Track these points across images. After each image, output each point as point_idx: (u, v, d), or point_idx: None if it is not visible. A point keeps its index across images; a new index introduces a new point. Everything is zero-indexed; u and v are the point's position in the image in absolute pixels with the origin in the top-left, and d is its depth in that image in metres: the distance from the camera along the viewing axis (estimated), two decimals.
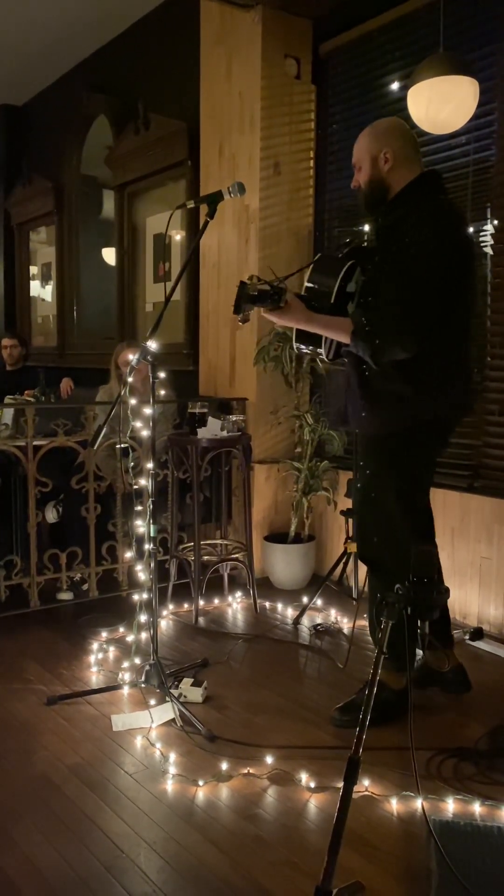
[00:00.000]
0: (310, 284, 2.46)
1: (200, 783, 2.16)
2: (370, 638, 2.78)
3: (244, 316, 2.40)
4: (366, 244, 3.02)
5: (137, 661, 2.85)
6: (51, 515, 3.83)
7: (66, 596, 3.64)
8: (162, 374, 2.81)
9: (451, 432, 2.57)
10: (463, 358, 2.43)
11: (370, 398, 2.40)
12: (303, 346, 2.58)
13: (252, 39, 3.92)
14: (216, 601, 3.73)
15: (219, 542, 3.92)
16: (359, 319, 2.30)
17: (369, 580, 2.64)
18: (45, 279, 6.89)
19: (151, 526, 2.63)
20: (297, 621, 3.47)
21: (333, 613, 3.53)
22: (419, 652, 2.82)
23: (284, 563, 3.95)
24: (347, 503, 3.58)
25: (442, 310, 2.27)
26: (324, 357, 2.54)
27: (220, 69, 4.15)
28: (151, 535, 2.65)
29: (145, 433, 2.88)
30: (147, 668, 2.65)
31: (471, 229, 3.34)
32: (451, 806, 2.05)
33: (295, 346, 2.61)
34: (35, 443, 3.44)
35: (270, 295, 2.38)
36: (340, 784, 1.72)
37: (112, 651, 3.11)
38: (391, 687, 2.48)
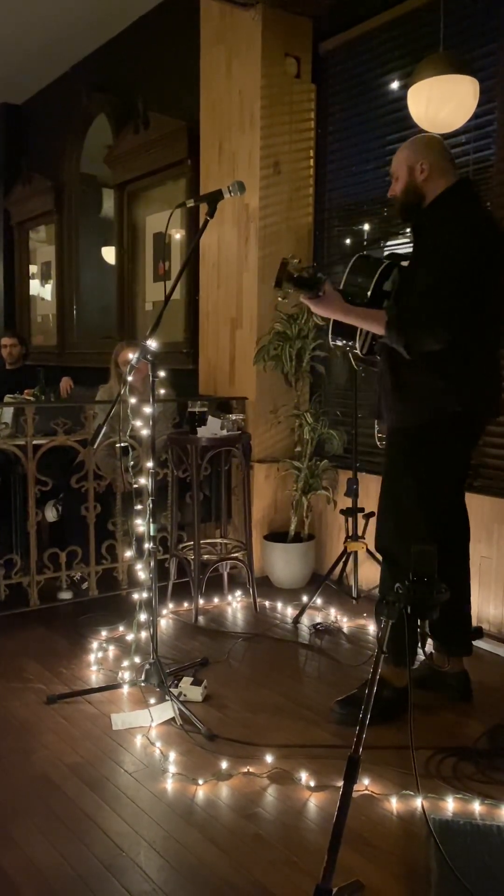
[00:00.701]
0: (347, 281, 2.54)
1: (200, 782, 2.16)
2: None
3: (283, 293, 2.46)
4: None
5: (137, 659, 2.85)
6: (50, 514, 3.83)
7: (66, 595, 3.65)
8: (162, 373, 2.81)
9: (478, 430, 2.59)
10: (494, 355, 2.48)
11: (401, 390, 2.47)
12: (338, 340, 2.65)
13: (252, 38, 3.92)
14: (216, 600, 3.74)
15: (218, 541, 3.92)
16: (393, 311, 2.38)
17: (381, 570, 2.65)
18: (44, 278, 6.89)
19: (151, 525, 2.63)
20: (296, 620, 3.47)
21: (333, 612, 3.53)
22: (420, 651, 2.82)
23: (284, 563, 3.95)
24: (347, 502, 3.58)
25: (474, 305, 2.34)
26: (357, 351, 2.62)
27: (219, 68, 4.15)
28: (151, 533, 2.65)
29: (145, 432, 2.88)
30: (147, 667, 2.65)
31: None
32: (450, 805, 2.05)
33: (330, 340, 2.68)
34: (35, 442, 3.45)
35: (311, 283, 2.46)
36: (340, 783, 1.72)
37: (112, 650, 3.11)
38: (393, 684, 2.49)
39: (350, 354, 2.80)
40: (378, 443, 3.50)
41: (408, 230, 3.64)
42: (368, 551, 3.45)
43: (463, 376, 2.38)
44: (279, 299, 2.53)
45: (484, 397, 2.47)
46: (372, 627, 3.34)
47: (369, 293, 2.47)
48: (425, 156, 2.48)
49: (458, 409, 2.41)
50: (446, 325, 2.30)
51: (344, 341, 2.64)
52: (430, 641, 2.78)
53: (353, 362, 2.92)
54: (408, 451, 2.49)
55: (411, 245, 2.70)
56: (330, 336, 2.66)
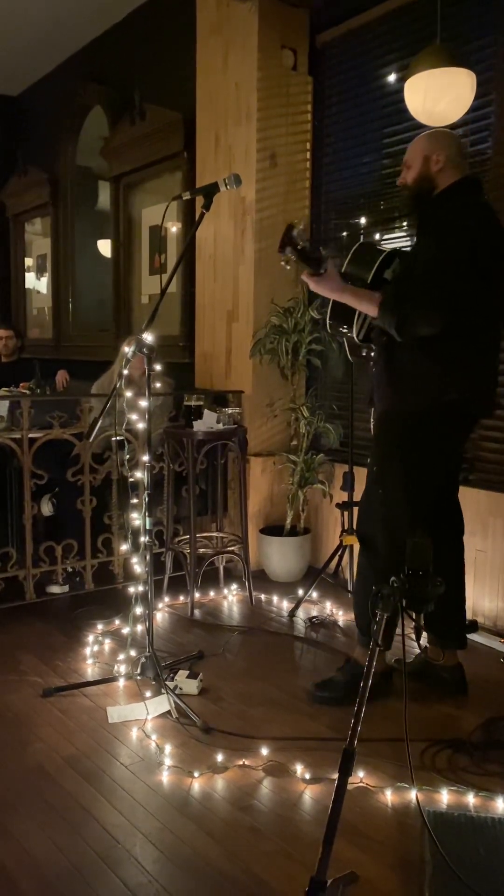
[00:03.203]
0: (348, 267, 2.55)
1: (196, 774, 2.16)
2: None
3: (286, 259, 2.46)
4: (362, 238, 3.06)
5: (133, 653, 2.85)
6: (46, 508, 3.83)
7: (61, 589, 3.64)
8: (158, 367, 2.80)
9: (471, 423, 2.59)
10: (491, 350, 2.48)
11: (396, 376, 2.48)
12: (336, 326, 2.65)
13: (248, 30, 3.90)
14: (212, 593, 3.74)
15: (214, 534, 3.92)
16: (389, 292, 2.39)
17: (359, 557, 2.67)
18: (40, 271, 6.87)
19: (147, 518, 2.63)
20: (292, 614, 3.48)
21: (329, 606, 3.53)
22: (415, 644, 2.84)
23: (280, 556, 3.96)
24: (343, 496, 3.58)
25: (472, 294, 2.34)
26: (353, 336, 2.62)
27: (216, 60, 4.13)
28: (147, 527, 2.65)
29: (141, 426, 2.87)
30: (143, 660, 2.66)
31: None
32: (445, 797, 2.06)
33: (328, 323, 2.68)
34: (30, 435, 3.44)
35: (314, 258, 2.46)
36: (335, 775, 1.72)
37: (108, 643, 3.11)
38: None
39: (346, 342, 2.79)
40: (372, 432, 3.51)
41: (405, 224, 3.64)
42: None
43: (459, 365, 2.39)
44: (282, 264, 2.52)
45: (478, 389, 2.47)
46: None
47: (369, 279, 2.47)
48: (443, 148, 2.50)
49: (452, 398, 2.41)
50: (440, 310, 2.31)
51: (341, 326, 2.64)
52: (423, 634, 2.79)
53: (348, 353, 2.91)
54: (397, 438, 2.50)
55: (413, 237, 2.71)
56: (328, 319, 2.65)
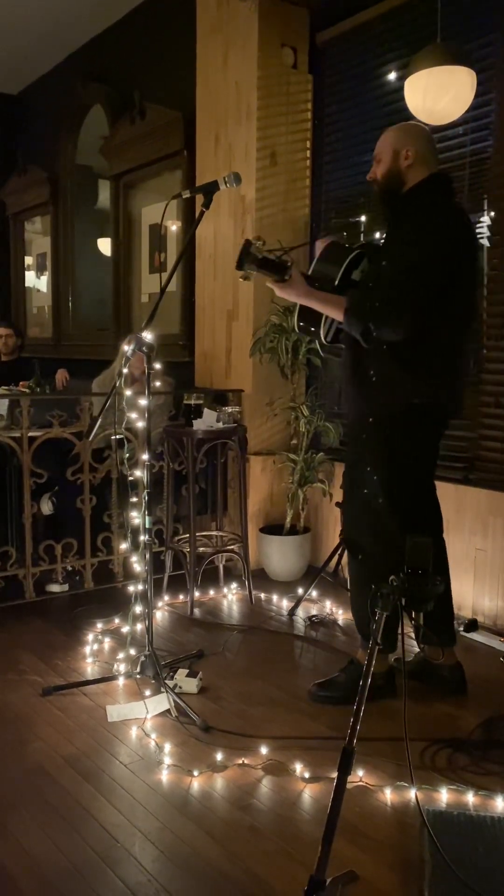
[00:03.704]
0: (316, 267, 2.52)
1: (195, 773, 2.16)
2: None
3: (246, 274, 2.44)
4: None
5: (133, 652, 2.85)
6: (46, 507, 3.83)
7: (60, 588, 3.64)
8: (158, 365, 2.80)
9: (441, 425, 2.57)
10: (458, 350, 2.46)
11: (363, 379, 2.46)
12: (304, 325, 2.63)
13: (249, 29, 3.89)
14: (211, 592, 3.74)
15: (214, 533, 3.92)
16: (355, 298, 2.37)
17: (349, 565, 2.66)
18: (40, 270, 6.86)
19: (146, 517, 2.63)
20: (292, 613, 3.48)
21: (328, 605, 3.53)
22: (414, 643, 2.83)
23: (280, 555, 3.95)
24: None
25: (439, 298, 2.32)
26: (322, 339, 2.60)
27: (216, 58, 4.13)
28: (147, 526, 2.65)
29: (141, 424, 2.87)
30: (142, 658, 2.66)
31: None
32: (444, 796, 2.05)
33: (296, 325, 2.66)
34: (30, 434, 3.43)
35: (277, 266, 2.45)
36: (335, 774, 1.72)
37: (107, 642, 3.11)
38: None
39: (316, 342, 2.79)
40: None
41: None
42: None
43: (425, 371, 2.38)
44: (240, 280, 2.51)
45: (445, 392, 2.46)
46: None
47: (337, 281, 2.45)
48: (412, 142, 2.45)
49: (417, 402, 2.40)
50: (406, 318, 2.29)
51: (310, 327, 2.61)
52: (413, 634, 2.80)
53: (320, 350, 2.91)
54: (369, 442, 2.49)
55: (384, 234, 2.67)
56: (296, 320, 2.64)
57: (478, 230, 3.32)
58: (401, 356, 2.36)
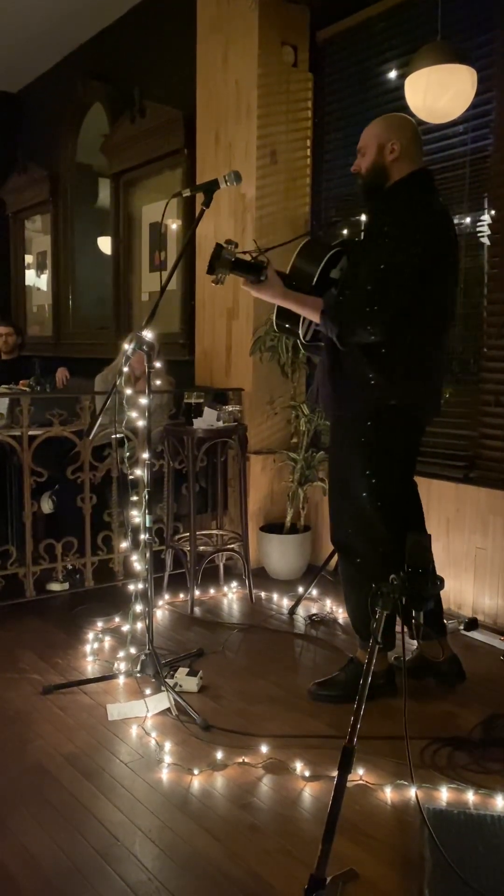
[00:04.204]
0: (294, 266, 2.49)
1: (195, 772, 2.16)
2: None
3: (218, 278, 2.43)
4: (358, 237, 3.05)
5: (133, 650, 2.85)
6: (46, 506, 3.83)
7: (61, 586, 3.64)
8: (158, 364, 2.80)
9: (421, 424, 2.57)
10: (436, 352, 2.46)
11: (339, 379, 2.45)
12: (281, 323, 2.61)
13: (249, 27, 3.89)
14: (212, 591, 3.74)
15: (214, 532, 3.92)
16: (330, 299, 2.35)
17: (340, 565, 2.67)
18: (40, 268, 6.86)
19: (147, 516, 2.63)
20: (292, 611, 3.48)
21: (329, 603, 3.53)
22: (413, 642, 2.83)
23: (280, 554, 3.95)
24: None
25: (415, 300, 2.31)
26: (300, 338, 2.58)
27: (216, 57, 4.12)
28: (147, 525, 2.64)
29: (141, 423, 2.87)
30: (142, 657, 2.66)
31: (467, 219, 3.34)
32: (444, 795, 2.05)
33: (275, 323, 2.64)
34: (30, 433, 3.43)
35: (252, 267, 2.42)
36: (335, 773, 1.72)
37: (107, 641, 3.11)
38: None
39: (297, 341, 2.78)
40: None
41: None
42: None
43: (400, 373, 2.36)
44: (212, 283, 2.50)
45: (420, 393, 2.45)
46: None
47: (314, 280, 2.42)
48: (398, 136, 2.41)
49: (391, 403, 2.40)
50: (382, 320, 2.27)
51: (289, 326, 2.59)
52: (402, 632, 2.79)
53: (301, 348, 2.90)
54: (352, 445, 2.49)
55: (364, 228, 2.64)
56: (274, 319, 2.62)
57: (478, 229, 3.32)
58: (376, 357, 2.34)
